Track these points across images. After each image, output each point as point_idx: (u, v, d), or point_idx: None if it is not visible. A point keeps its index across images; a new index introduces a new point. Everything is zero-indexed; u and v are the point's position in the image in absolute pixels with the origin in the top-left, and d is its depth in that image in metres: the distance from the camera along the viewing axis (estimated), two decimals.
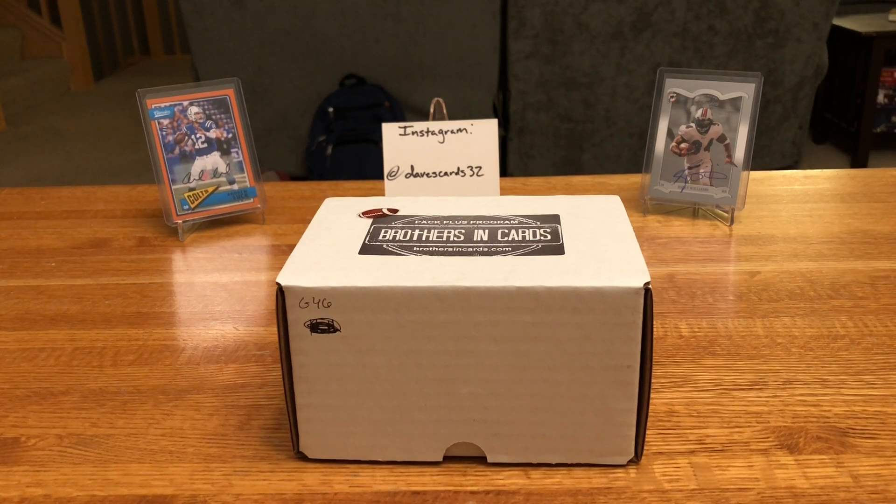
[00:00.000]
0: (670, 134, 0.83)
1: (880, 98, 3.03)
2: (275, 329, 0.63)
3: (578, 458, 0.45)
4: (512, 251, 0.45)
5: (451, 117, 2.39)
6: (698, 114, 0.82)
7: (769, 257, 0.73)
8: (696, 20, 2.24)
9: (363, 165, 2.24)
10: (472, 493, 0.44)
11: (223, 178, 0.83)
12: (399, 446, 0.46)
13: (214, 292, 0.69)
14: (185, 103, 0.82)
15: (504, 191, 0.92)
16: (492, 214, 0.51)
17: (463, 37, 2.29)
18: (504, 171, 2.48)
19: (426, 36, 2.29)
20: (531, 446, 0.45)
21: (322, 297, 0.42)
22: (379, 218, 0.51)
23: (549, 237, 0.47)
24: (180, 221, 0.81)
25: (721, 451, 0.47)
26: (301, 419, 0.46)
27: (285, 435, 0.50)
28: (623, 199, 0.88)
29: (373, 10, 2.26)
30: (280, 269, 0.74)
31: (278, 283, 0.43)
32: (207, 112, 0.82)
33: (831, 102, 3.22)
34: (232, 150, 0.83)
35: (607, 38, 2.26)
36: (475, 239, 0.47)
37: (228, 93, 0.83)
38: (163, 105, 0.81)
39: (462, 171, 0.79)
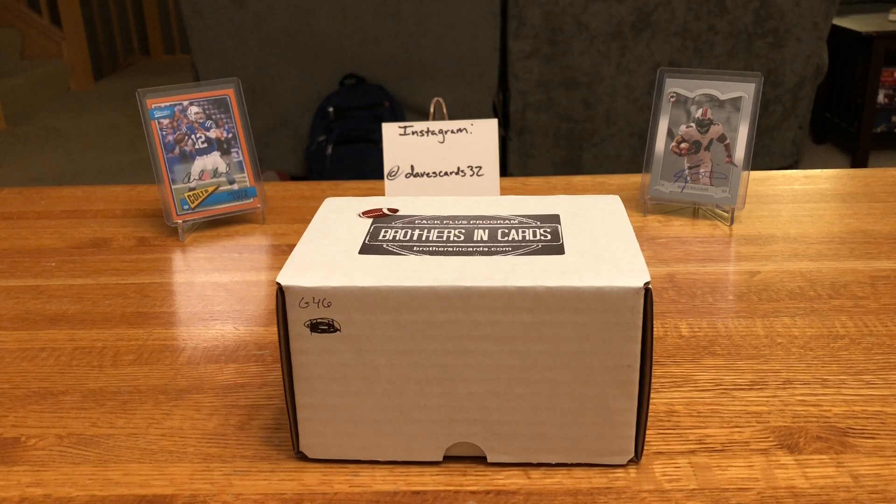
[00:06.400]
0: (670, 134, 0.83)
1: (880, 98, 3.03)
2: (275, 329, 0.63)
3: (578, 458, 0.45)
4: (512, 251, 0.45)
5: (451, 117, 2.39)
6: (698, 114, 0.82)
7: (769, 257, 0.73)
8: (696, 20, 2.24)
9: (363, 165, 2.23)
10: (472, 493, 0.44)
11: (223, 178, 0.83)
12: (399, 446, 0.46)
13: (214, 292, 0.69)
14: (185, 103, 0.82)
15: (504, 191, 0.92)
16: (492, 214, 0.51)
17: (463, 37, 2.29)
18: (504, 171, 2.48)
19: (426, 36, 2.29)
20: (531, 446, 0.45)
21: (322, 296, 0.42)
22: (379, 218, 0.51)
23: (549, 237, 0.47)
24: (180, 221, 0.81)
25: (721, 450, 0.47)
26: (301, 419, 0.46)
27: (285, 435, 0.50)
28: (623, 199, 0.88)
29: (373, 10, 2.26)
30: (280, 268, 0.74)
31: (278, 283, 0.43)
32: (207, 112, 0.82)
33: (831, 102, 3.22)
34: (232, 150, 0.83)
35: (607, 38, 2.26)
36: (475, 239, 0.47)
37: (228, 93, 0.83)
38: (163, 105, 0.81)
39: (462, 171, 0.79)
